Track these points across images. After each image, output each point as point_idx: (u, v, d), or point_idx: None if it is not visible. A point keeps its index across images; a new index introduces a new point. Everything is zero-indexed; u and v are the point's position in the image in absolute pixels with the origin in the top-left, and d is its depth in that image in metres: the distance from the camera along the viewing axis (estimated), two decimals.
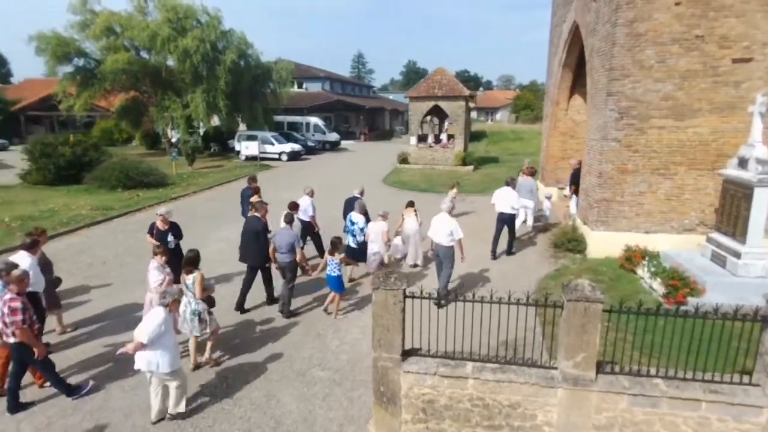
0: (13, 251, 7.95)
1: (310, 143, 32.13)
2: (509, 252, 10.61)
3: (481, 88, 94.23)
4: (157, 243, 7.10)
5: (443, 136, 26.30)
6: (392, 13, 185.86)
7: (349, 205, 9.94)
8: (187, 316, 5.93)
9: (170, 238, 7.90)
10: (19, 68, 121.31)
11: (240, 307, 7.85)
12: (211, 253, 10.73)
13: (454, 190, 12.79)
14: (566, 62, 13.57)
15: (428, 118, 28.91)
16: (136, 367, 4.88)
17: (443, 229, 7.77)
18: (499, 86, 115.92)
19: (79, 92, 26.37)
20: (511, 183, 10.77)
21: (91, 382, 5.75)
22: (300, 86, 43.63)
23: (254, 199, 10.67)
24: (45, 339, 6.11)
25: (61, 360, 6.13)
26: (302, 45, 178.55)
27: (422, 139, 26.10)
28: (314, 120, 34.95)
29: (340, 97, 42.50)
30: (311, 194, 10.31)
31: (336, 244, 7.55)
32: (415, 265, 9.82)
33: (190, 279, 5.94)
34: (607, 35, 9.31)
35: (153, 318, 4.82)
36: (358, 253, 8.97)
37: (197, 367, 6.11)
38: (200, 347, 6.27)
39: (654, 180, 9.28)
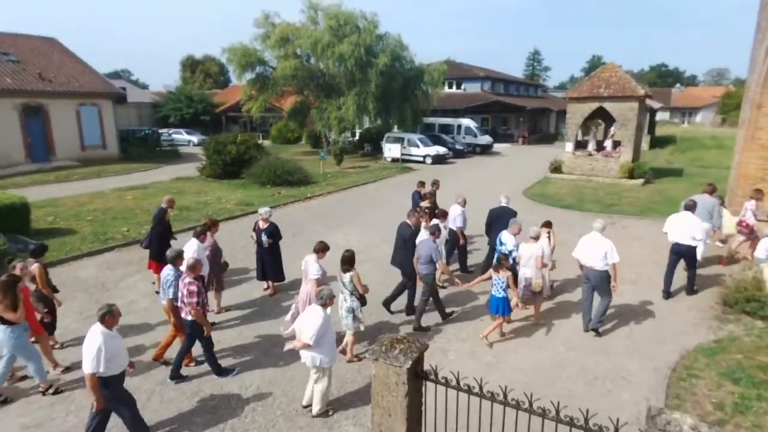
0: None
1: (458, 146, 30.99)
2: (691, 291, 8.59)
3: (678, 85, 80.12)
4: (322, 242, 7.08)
5: (607, 143, 22.57)
6: (575, 2, 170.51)
7: (496, 217, 9.11)
8: (342, 312, 6.36)
9: (264, 237, 8.31)
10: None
11: (387, 303, 7.92)
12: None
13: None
14: None
15: (597, 121, 25.31)
16: (302, 360, 5.30)
17: (597, 251, 7.00)
18: (706, 82, 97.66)
19: (257, 96, 29.87)
20: (692, 207, 8.51)
21: (237, 369, 6.33)
22: (458, 87, 42.68)
23: (425, 203, 10.76)
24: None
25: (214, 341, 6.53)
26: (474, 45, 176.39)
27: (581, 145, 22.83)
28: (466, 122, 33.65)
29: (499, 98, 40.25)
30: (463, 204, 9.69)
31: (502, 260, 6.79)
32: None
33: (346, 277, 6.34)
34: None
35: (315, 318, 5.08)
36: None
37: (352, 360, 6.49)
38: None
39: None
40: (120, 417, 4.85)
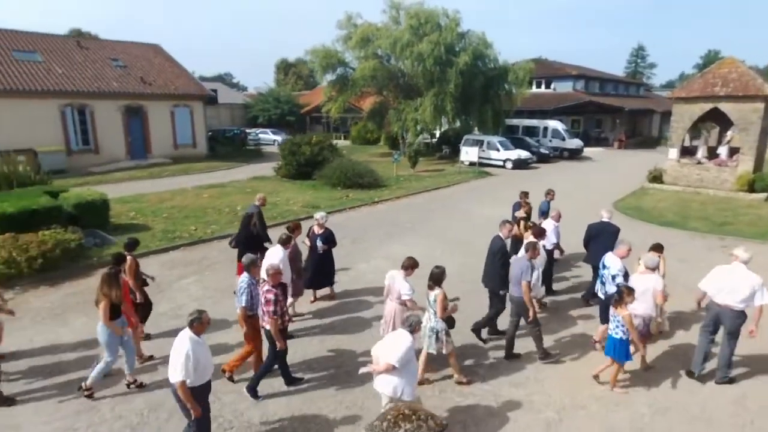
0: (225, 238, 9.71)
1: (543, 150, 28.83)
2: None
3: None
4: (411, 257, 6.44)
5: (722, 150, 19.51)
6: None
7: (595, 233, 8.15)
8: (426, 332, 5.92)
9: (319, 243, 8.08)
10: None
11: (477, 330, 7.10)
12: (367, 270, 10.12)
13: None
14: None
15: (710, 124, 22.14)
16: (376, 387, 4.79)
17: (740, 287, 5.76)
18: None
19: (336, 97, 30.09)
20: None
21: (303, 378, 6.16)
22: (548, 86, 39.97)
23: (521, 213, 9.81)
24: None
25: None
26: (569, 42, 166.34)
27: (688, 152, 19.98)
28: (553, 124, 31.23)
29: (593, 98, 37.02)
30: (557, 218, 8.83)
31: (624, 294, 5.68)
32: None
33: (432, 296, 5.90)
34: None
35: (403, 342, 4.68)
36: (604, 309, 6.78)
37: (421, 383, 5.84)
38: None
39: None
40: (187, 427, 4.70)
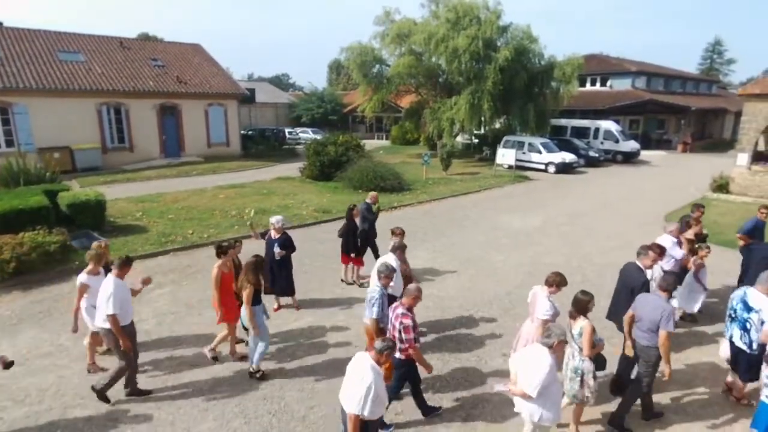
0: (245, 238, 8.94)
1: (592, 153, 26.35)
2: None
3: None
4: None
5: None
6: None
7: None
8: (568, 372, 4.99)
9: (276, 249, 7.62)
10: None
11: (614, 388, 5.67)
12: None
13: None
14: None
15: None
16: (516, 410, 4.46)
17: None
18: None
19: (372, 96, 29.15)
20: None
21: (441, 408, 5.51)
22: (603, 83, 36.93)
23: (690, 233, 7.62)
24: None
25: None
26: (636, 37, 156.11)
27: (762, 157, 17.24)
28: (606, 125, 28.53)
29: (655, 96, 33.72)
30: (676, 233, 7.18)
31: None
32: None
33: (576, 328, 4.91)
34: None
35: (541, 366, 4.15)
36: (747, 366, 5.30)
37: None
38: None
39: None
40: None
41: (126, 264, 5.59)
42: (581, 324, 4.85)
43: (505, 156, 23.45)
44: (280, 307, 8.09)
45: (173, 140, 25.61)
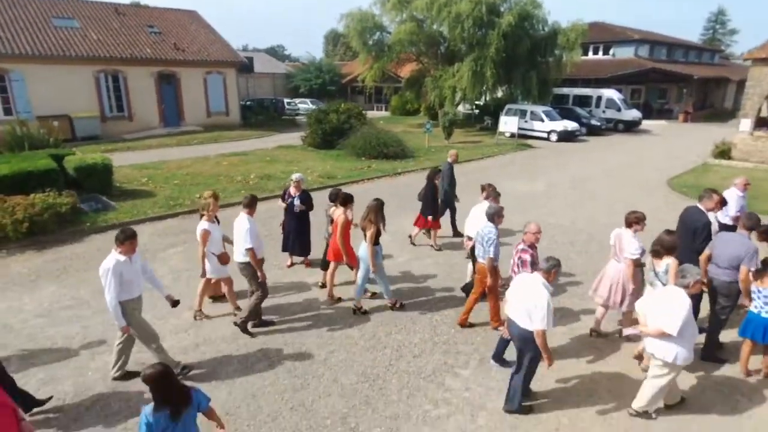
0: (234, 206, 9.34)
1: (594, 122, 26.27)
2: None
3: None
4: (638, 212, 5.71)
5: None
6: None
7: None
8: None
9: (297, 201, 7.83)
10: None
11: (707, 352, 5.54)
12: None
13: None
14: None
15: None
16: (647, 349, 4.50)
17: None
18: None
19: (372, 64, 28.72)
20: None
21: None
22: (606, 52, 36.48)
23: (735, 191, 7.29)
24: None
25: None
26: (637, 8, 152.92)
27: (765, 124, 17.26)
28: (608, 93, 28.35)
29: (657, 64, 33.38)
30: (742, 187, 7.24)
31: None
32: None
33: (662, 266, 5.06)
34: None
35: (680, 304, 4.18)
36: None
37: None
38: None
39: None
40: (517, 370, 4.64)
41: (254, 203, 6.05)
42: (667, 261, 5.01)
43: (508, 124, 23.37)
44: (293, 264, 8.28)
45: (172, 109, 25.31)
